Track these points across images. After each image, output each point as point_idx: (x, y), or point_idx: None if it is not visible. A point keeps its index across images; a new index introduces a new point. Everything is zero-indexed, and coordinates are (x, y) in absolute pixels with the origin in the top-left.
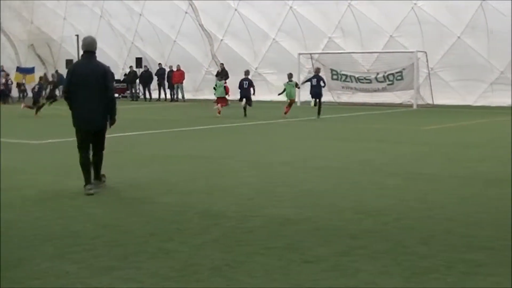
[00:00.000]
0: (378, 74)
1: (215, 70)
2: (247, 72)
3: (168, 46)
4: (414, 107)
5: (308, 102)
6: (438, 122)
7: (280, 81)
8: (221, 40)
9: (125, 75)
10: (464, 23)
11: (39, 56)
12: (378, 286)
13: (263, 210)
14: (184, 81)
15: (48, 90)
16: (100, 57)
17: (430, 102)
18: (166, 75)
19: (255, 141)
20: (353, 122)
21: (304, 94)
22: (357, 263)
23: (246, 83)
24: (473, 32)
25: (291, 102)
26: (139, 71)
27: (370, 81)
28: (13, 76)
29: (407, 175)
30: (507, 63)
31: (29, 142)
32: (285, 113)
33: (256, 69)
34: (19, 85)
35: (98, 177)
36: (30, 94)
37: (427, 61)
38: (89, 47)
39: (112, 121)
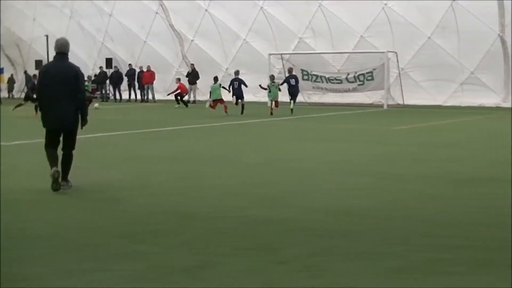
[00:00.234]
0: (348, 74)
1: (185, 70)
2: (237, 72)
3: (138, 46)
4: (385, 107)
5: (287, 103)
6: (409, 122)
7: (251, 82)
8: (192, 40)
9: (95, 75)
10: (435, 24)
11: (8, 57)
12: (350, 287)
13: (235, 211)
14: (154, 82)
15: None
16: (70, 57)
17: (400, 102)
18: (136, 76)
19: (226, 142)
20: (323, 122)
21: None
22: (329, 263)
23: (236, 83)
24: (444, 33)
25: (276, 104)
26: (109, 71)
27: (340, 82)
28: None
29: (379, 175)
30: (477, 63)
31: None
32: (271, 113)
33: (226, 69)
34: None
35: (66, 178)
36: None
37: (397, 61)
38: (62, 48)
39: (84, 122)
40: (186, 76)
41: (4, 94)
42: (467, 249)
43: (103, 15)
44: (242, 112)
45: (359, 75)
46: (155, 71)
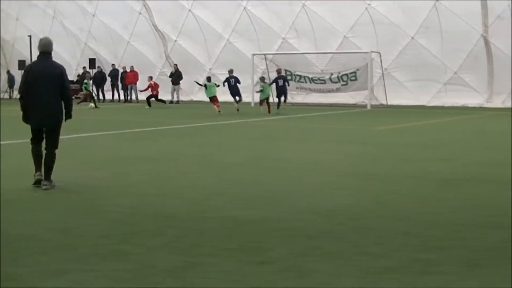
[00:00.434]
0: (332, 74)
1: (168, 71)
2: (231, 71)
3: (122, 46)
4: (368, 107)
5: (273, 104)
6: (392, 123)
7: None
8: (175, 41)
9: (78, 75)
10: (418, 24)
11: None
12: (334, 287)
13: (217, 211)
14: (137, 82)
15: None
16: (53, 57)
17: (384, 102)
18: (119, 76)
19: (208, 142)
20: (307, 122)
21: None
22: (313, 263)
23: (232, 81)
24: (427, 33)
25: (267, 100)
26: (93, 72)
27: (324, 82)
28: None
29: (362, 176)
30: (460, 63)
31: None
32: (262, 108)
33: (210, 70)
34: None
35: (49, 177)
36: None
37: (381, 61)
38: (46, 48)
39: (69, 116)
40: (170, 77)
41: None
42: (454, 249)
43: (86, 15)
44: (237, 109)
45: (343, 75)
46: (138, 72)
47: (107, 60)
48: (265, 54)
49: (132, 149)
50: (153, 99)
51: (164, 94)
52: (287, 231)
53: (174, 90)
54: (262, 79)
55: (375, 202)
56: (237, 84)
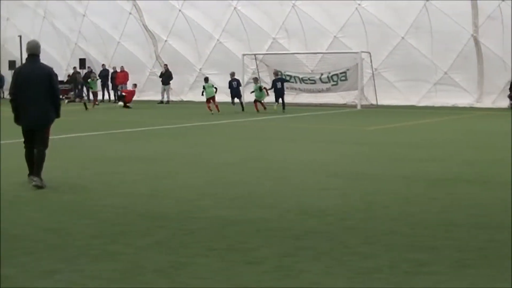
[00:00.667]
0: (322, 74)
1: (159, 71)
2: (233, 74)
3: (112, 47)
4: (358, 107)
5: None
6: (382, 123)
7: (224, 82)
8: (165, 41)
9: (68, 76)
10: (408, 24)
11: None
12: (322, 287)
13: (206, 212)
14: (128, 82)
15: None
16: (43, 58)
17: (374, 102)
18: (110, 76)
19: (199, 142)
20: (297, 122)
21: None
22: (301, 263)
23: (235, 83)
24: (417, 33)
25: (262, 104)
26: (83, 72)
27: (314, 82)
28: None
29: (351, 176)
30: (450, 63)
31: None
32: (258, 110)
33: (200, 70)
34: None
35: (39, 173)
36: None
37: (371, 61)
38: (33, 50)
39: (57, 115)
40: (160, 77)
41: None
42: (444, 249)
43: (76, 15)
44: (242, 109)
45: (333, 75)
46: (128, 72)
47: (98, 60)
48: (255, 54)
49: (123, 149)
50: (121, 103)
51: (154, 94)
52: (277, 231)
53: (164, 90)
54: (255, 80)
55: (365, 202)
56: (239, 87)
